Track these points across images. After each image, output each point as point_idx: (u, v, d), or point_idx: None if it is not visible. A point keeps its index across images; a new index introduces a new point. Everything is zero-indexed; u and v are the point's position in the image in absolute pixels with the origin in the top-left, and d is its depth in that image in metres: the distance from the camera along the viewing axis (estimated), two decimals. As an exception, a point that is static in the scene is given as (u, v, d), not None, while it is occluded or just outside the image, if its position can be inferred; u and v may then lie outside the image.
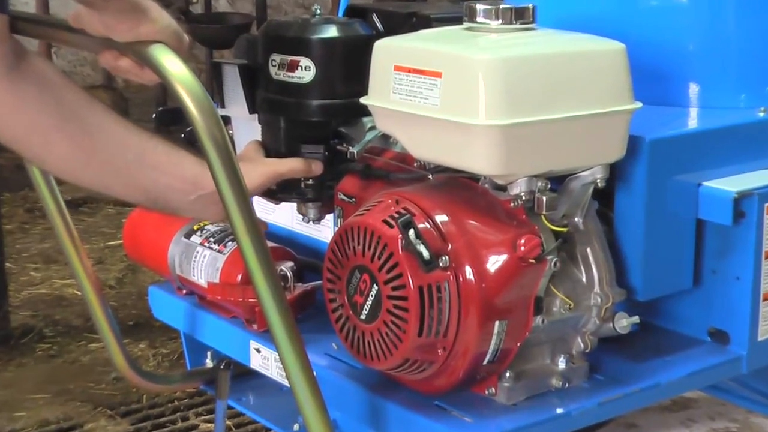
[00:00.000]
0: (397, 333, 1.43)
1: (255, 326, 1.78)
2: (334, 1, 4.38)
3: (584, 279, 1.53)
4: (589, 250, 1.54)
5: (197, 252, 1.86)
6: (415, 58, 1.48)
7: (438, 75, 1.44)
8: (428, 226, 1.44)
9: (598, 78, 1.48)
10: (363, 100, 1.57)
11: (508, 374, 1.50)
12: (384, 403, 1.53)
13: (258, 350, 1.77)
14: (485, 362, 1.47)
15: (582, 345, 1.54)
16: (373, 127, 1.64)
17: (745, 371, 1.67)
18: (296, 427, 1.74)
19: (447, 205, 1.48)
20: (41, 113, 1.40)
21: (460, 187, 1.54)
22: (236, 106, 1.79)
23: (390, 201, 1.49)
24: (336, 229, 1.63)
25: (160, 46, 1.34)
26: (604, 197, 1.59)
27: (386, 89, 1.51)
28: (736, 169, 1.67)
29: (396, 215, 1.44)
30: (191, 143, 1.50)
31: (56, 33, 1.50)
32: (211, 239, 1.86)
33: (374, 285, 1.44)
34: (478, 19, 1.51)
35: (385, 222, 1.45)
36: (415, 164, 1.60)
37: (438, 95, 1.44)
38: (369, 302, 1.45)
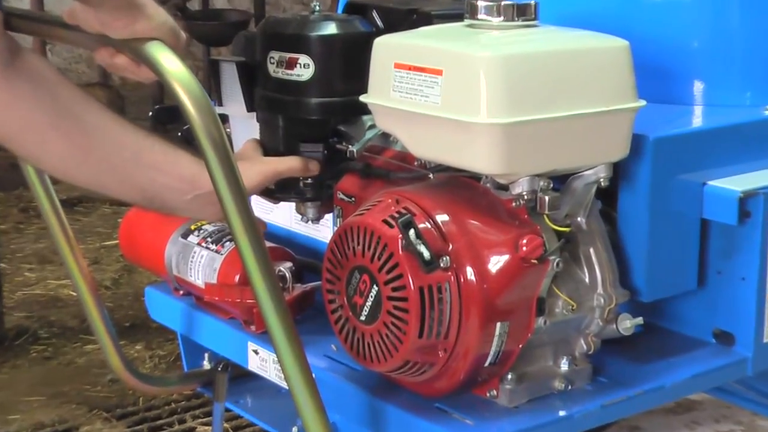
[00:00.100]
0: (397, 334, 1.42)
1: (253, 327, 1.77)
2: (332, -1, 4.37)
3: (587, 280, 1.52)
4: (592, 250, 1.53)
5: (194, 252, 1.85)
6: (416, 55, 1.47)
7: (439, 73, 1.43)
8: (429, 226, 1.43)
9: (601, 76, 1.47)
10: (363, 98, 1.56)
11: (509, 376, 1.49)
12: (384, 405, 1.53)
13: (256, 352, 1.76)
14: (487, 364, 1.46)
15: (585, 347, 1.53)
16: (372, 126, 1.63)
17: (750, 373, 1.66)
18: (295, 429, 1.74)
19: (448, 205, 1.47)
20: (36, 111, 1.39)
21: (461, 186, 1.52)
22: (234, 104, 1.79)
23: (390, 200, 1.48)
24: (335, 228, 1.62)
25: (156, 43, 1.33)
26: (608, 197, 1.58)
27: (386, 87, 1.50)
28: (741, 168, 1.66)
29: (396, 215, 1.43)
30: (188, 142, 1.50)
31: (51, 30, 1.50)
32: (209, 239, 1.85)
33: (374, 286, 1.43)
34: (480, 16, 1.50)
35: (385, 222, 1.44)
36: (416, 163, 1.59)
37: (439, 93, 1.43)
38: (369, 303, 1.44)
